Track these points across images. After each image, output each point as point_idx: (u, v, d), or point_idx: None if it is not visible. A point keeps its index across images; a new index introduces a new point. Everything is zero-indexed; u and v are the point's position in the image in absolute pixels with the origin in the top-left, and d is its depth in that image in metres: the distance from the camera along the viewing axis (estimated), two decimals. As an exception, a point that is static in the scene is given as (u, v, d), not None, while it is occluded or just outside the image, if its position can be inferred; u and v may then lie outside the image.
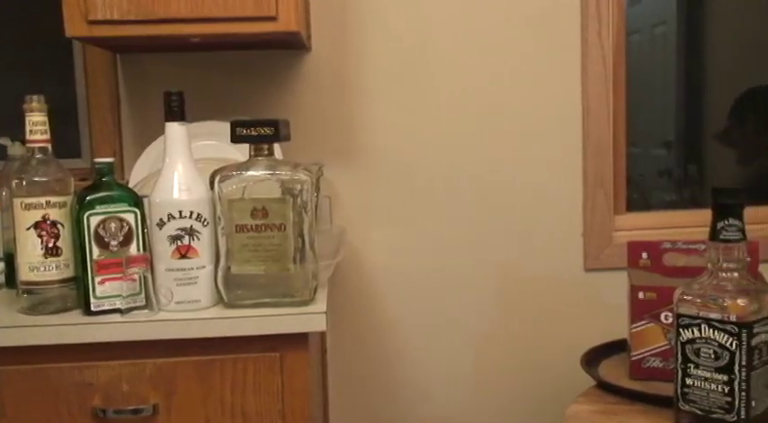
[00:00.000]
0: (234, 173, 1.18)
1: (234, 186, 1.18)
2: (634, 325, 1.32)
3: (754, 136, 2.35)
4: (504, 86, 1.77)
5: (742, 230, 1.08)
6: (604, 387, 1.31)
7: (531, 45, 1.76)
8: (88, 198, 1.17)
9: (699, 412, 1.09)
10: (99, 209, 1.17)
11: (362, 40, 1.73)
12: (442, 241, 1.79)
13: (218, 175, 1.18)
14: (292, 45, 1.58)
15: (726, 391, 1.06)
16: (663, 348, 1.29)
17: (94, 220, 1.17)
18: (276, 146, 1.29)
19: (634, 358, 1.32)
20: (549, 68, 1.77)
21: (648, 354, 1.31)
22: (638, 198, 2.61)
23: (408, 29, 1.74)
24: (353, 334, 1.80)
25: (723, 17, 2.91)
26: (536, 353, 1.83)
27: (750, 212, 1.85)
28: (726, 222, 1.07)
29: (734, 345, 1.05)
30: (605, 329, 1.57)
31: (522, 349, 1.83)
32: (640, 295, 1.31)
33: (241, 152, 1.29)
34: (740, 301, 1.06)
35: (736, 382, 1.05)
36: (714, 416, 1.08)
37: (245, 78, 1.69)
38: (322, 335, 1.68)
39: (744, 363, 1.05)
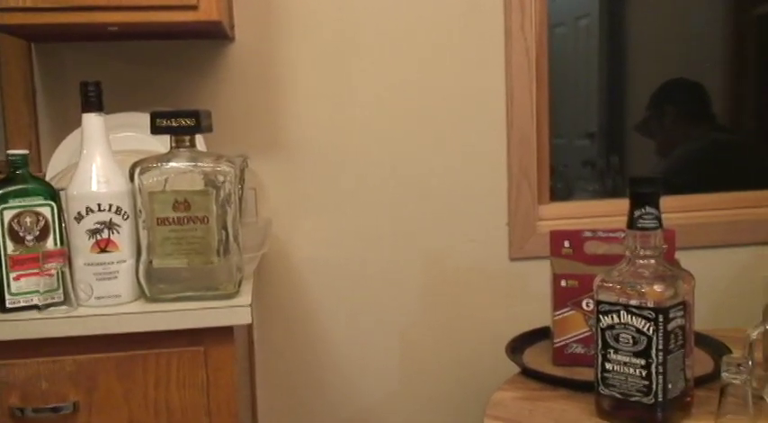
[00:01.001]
0: (155, 165, 1.16)
1: (155, 178, 1.16)
2: (557, 312, 1.34)
3: (672, 127, 2.41)
4: (429, 78, 1.77)
5: (658, 218, 1.10)
6: (528, 374, 1.33)
7: (456, 37, 1.77)
8: (1, 191, 1.13)
9: (618, 396, 1.12)
10: (13, 202, 1.13)
11: (287, 31, 1.71)
12: (369, 232, 1.80)
13: (138, 167, 1.16)
14: (215, 35, 1.55)
15: (644, 374, 1.09)
16: (584, 335, 1.32)
17: (8, 215, 1.13)
18: (199, 138, 1.27)
19: (557, 345, 1.35)
20: (473, 60, 1.78)
21: (571, 340, 1.34)
22: (562, 188, 2.65)
23: (334, 20, 1.73)
24: (281, 326, 1.79)
25: (644, 10, 2.98)
26: (462, 342, 1.85)
27: (668, 201, 1.92)
28: (642, 211, 1.10)
29: (651, 329, 1.08)
30: (530, 317, 1.59)
31: (448, 338, 1.85)
32: (562, 283, 1.33)
33: (163, 144, 1.26)
34: (657, 287, 1.08)
35: (653, 366, 1.08)
36: (633, 399, 1.10)
37: (166, 69, 1.66)
38: (249, 328, 1.67)
39: (660, 347, 1.08)
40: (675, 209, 1.88)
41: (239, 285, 1.19)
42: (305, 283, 1.80)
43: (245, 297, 1.17)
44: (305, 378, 1.81)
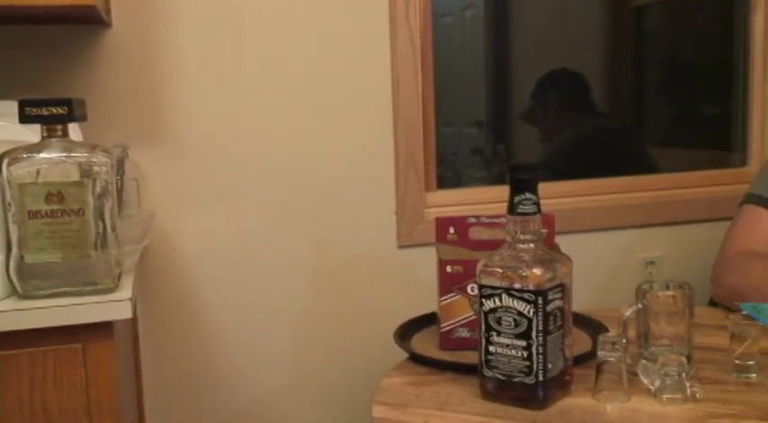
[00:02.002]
0: (25, 155, 1.11)
1: (25, 170, 1.10)
2: (442, 298, 1.36)
3: (555, 115, 2.48)
4: (314, 67, 1.77)
5: (537, 204, 1.13)
6: (416, 359, 1.35)
7: (341, 26, 1.77)
8: None
9: (501, 377, 1.14)
10: None
11: (169, 17, 1.67)
12: (257, 222, 1.78)
13: (6, 158, 1.10)
14: (90, 20, 1.49)
15: (525, 355, 1.12)
16: (470, 319, 1.34)
17: None
18: (75, 127, 1.22)
19: (443, 330, 1.37)
20: (358, 49, 1.78)
21: (457, 325, 1.36)
22: (451, 176, 2.69)
23: (218, 7, 1.70)
24: (168, 320, 1.75)
25: (528, 2, 3.04)
26: (353, 330, 1.86)
27: (549, 187, 1.98)
28: (522, 197, 1.12)
29: (531, 312, 1.10)
30: (420, 304, 1.61)
31: (339, 328, 1.85)
32: (448, 269, 1.35)
33: (37, 134, 1.21)
34: (536, 271, 1.11)
35: (534, 347, 1.11)
36: (515, 379, 1.13)
37: (38, 55, 1.59)
38: (133, 323, 1.62)
39: (540, 328, 1.11)
40: (556, 194, 1.94)
41: (119, 279, 1.15)
42: (193, 275, 1.77)
43: (125, 291, 1.13)
44: (194, 372, 1.78)
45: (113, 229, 1.14)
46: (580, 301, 1.45)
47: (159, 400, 1.76)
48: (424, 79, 1.84)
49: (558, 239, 1.38)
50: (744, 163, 2.21)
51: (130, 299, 1.11)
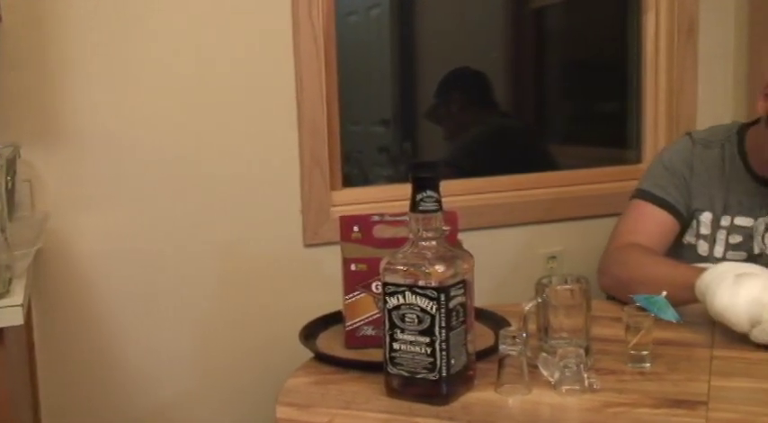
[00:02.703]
0: None
1: None
2: (347, 296, 1.36)
3: (458, 114, 2.52)
4: (217, 66, 1.74)
5: (439, 202, 1.14)
6: (321, 358, 1.34)
7: (244, 24, 1.75)
8: None
9: (406, 374, 1.15)
10: None
11: (63, 12, 1.62)
12: (159, 224, 1.74)
13: None
14: (-23, 14, 1.43)
15: (428, 352, 1.13)
16: (374, 317, 1.34)
17: None
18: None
19: (348, 328, 1.37)
20: (261, 48, 1.77)
21: (362, 323, 1.36)
22: (358, 174, 2.69)
23: (114, 2, 1.65)
24: (66, 325, 1.70)
25: (432, 1, 3.07)
26: (260, 331, 1.84)
27: (452, 185, 2.01)
28: (424, 194, 1.13)
29: (434, 308, 1.12)
30: (326, 303, 1.60)
31: (245, 328, 1.84)
32: (352, 267, 1.35)
33: None
34: (438, 267, 1.12)
35: (437, 343, 1.12)
36: (419, 376, 1.14)
37: None
38: (27, 329, 1.57)
39: (443, 324, 1.12)
40: (459, 192, 1.97)
41: (9, 284, 1.11)
42: (92, 279, 1.72)
43: (17, 297, 1.09)
44: (94, 378, 1.73)
45: (2, 231, 1.10)
46: (484, 297, 1.48)
47: (57, 409, 1.71)
48: (329, 78, 1.84)
49: (462, 236, 1.39)
50: (638, 160, 2.29)
51: (22, 304, 1.07)
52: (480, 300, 1.42)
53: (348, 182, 2.05)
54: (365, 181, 2.60)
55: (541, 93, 2.78)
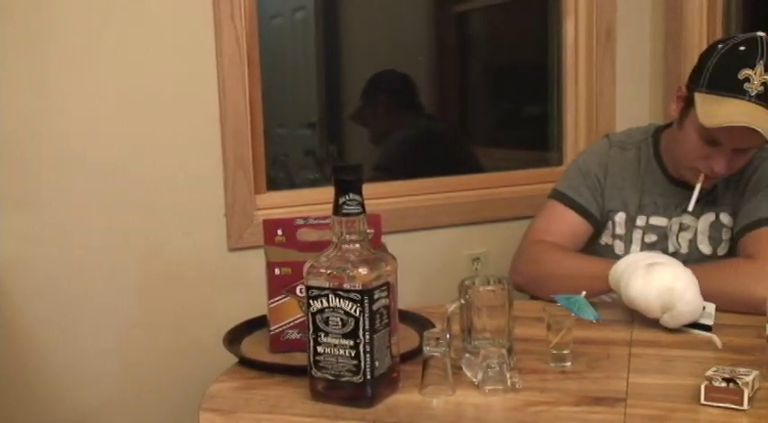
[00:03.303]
0: None
1: None
2: (271, 300, 1.35)
3: (383, 116, 2.53)
4: (138, 68, 1.72)
5: (362, 204, 1.14)
6: (245, 363, 1.33)
7: (165, 26, 1.73)
8: None
9: (330, 377, 1.15)
10: None
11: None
12: (79, 229, 1.70)
13: None
14: None
15: (352, 354, 1.13)
16: (299, 320, 1.34)
17: None
18: None
19: (273, 332, 1.36)
20: (183, 51, 1.75)
21: (287, 327, 1.35)
22: (284, 177, 2.68)
23: (33, 9, 1.60)
24: (-21, 336, 1.64)
25: (356, 4, 3.08)
26: (184, 336, 1.81)
27: (378, 187, 2.01)
28: (346, 197, 1.13)
29: (357, 311, 1.12)
30: (251, 307, 1.59)
31: (169, 335, 1.81)
32: (276, 271, 1.34)
33: None
34: (362, 270, 1.12)
35: (361, 346, 1.12)
36: (344, 379, 1.14)
37: None
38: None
39: (367, 327, 1.12)
40: (385, 195, 1.98)
41: None
42: (7, 286, 1.66)
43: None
44: (13, 386, 1.68)
45: None
46: (410, 299, 1.49)
47: (-29, 422, 1.65)
48: (252, 81, 1.83)
49: (387, 239, 1.40)
50: (560, 162, 2.34)
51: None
52: (406, 302, 1.43)
53: (274, 185, 2.04)
54: (291, 184, 2.60)
55: (465, 96, 2.81)
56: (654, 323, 1.46)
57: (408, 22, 2.76)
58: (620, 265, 1.48)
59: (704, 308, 1.40)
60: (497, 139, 2.66)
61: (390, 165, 2.42)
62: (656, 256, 1.51)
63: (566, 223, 1.72)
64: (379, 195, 1.97)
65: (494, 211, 2.14)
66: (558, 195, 1.75)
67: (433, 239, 2.07)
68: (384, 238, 1.39)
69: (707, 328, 1.40)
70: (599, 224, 1.73)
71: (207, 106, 1.77)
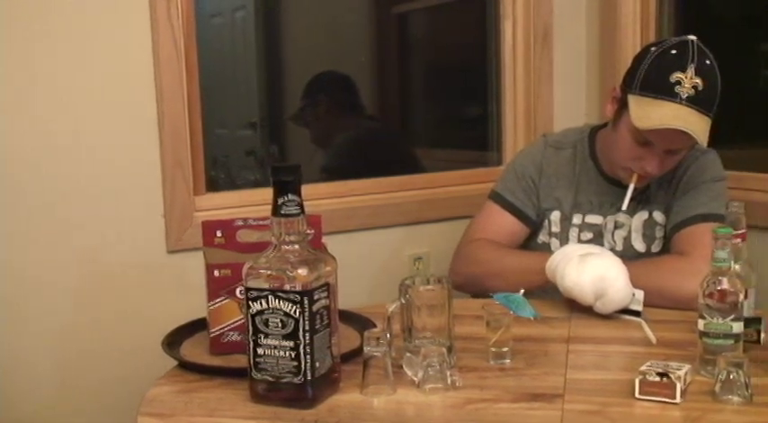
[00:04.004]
0: None
1: None
2: (211, 302, 1.34)
3: (324, 117, 2.53)
4: (76, 69, 1.69)
5: (300, 205, 1.14)
6: (185, 366, 1.32)
7: (100, 26, 1.69)
8: None
9: (270, 379, 1.15)
10: None
11: None
12: (14, 233, 1.66)
13: None
14: None
15: (293, 356, 1.13)
16: (239, 322, 1.33)
17: None
18: None
19: (213, 335, 1.35)
20: (119, 51, 1.72)
21: (227, 329, 1.35)
22: (225, 178, 2.66)
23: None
24: None
25: (297, 5, 3.07)
26: (123, 340, 1.79)
27: (320, 188, 2.01)
28: (285, 198, 1.13)
29: (297, 312, 1.12)
30: (192, 310, 1.57)
31: (108, 338, 1.78)
32: (216, 273, 1.33)
33: None
34: (301, 271, 1.12)
35: (301, 347, 1.12)
36: (284, 380, 1.14)
37: None
38: None
39: (307, 328, 1.12)
40: (326, 195, 1.98)
41: None
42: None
43: None
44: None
45: None
46: (353, 300, 1.50)
47: None
48: (190, 81, 1.81)
49: (329, 240, 1.40)
50: (499, 162, 2.37)
51: None
52: (349, 302, 1.44)
53: (215, 186, 2.02)
54: (233, 185, 2.58)
55: (406, 97, 2.83)
56: (591, 320, 1.50)
57: (349, 22, 2.76)
58: (556, 257, 1.55)
59: (633, 294, 1.48)
60: (438, 139, 2.68)
61: (335, 166, 2.42)
62: (589, 248, 1.58)
63: (502, 224, 1.76)
64: (320, 196, 1.96)
65: (435, 211, 2.16)
66: (495, 196, 1.79)
67: (375, 240, 2.08)
68: (326, 239, 1.39)
69: (636, 313, 1.47)
70: (535, 224, 1.77)
71: (144, 107, 1.75)
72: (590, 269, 1.47)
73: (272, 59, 3.17)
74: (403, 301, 1.27)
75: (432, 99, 2.74)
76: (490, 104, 2.43)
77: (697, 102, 1.52)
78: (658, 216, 1.70)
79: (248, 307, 1.14)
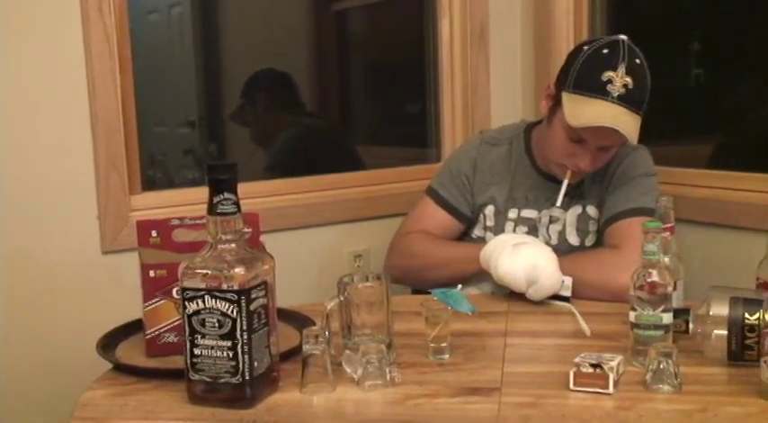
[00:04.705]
0: None
1: None
2: (147, 303, 1.32)
3: (264, 115, 2.51)
4: (5, 66, 1.64)
5: (237, 203, 1.13)
6: (120, 369, 1.30)
7: (32, 22, 1.65)
8: None
9: (208, 379, 1.14)
10: None
11: None
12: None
13: None
14: None
15: (230, 355, 1.12)
16: (176, 323, 1.31)
17: None
18: None
19: (149, 336, 1.33)
20: (49, 48, 1.68)
21: (163, 330, 1.33)
22: (162, 177, 2.62)
23: None
24: None
25: (234, 1, 3.05)
26: (57, 344, 1.75)
27: (257, 186, 2.00)
28: (221, 197, 1.12)
29: (234, 311, 1.11)
30: (127, 311, 1.55)
31: (42, 342, 1.74)
32: (151, 273, 1.32)
33: None
34: (238, 270, 1.12)
35: (239, 347, 1.12)
36: (222, 380, 1.13)
37: None
38: None
39: (245, 327, 1.11)
40: (265, 193, 1.96)
41: None
42: None
43: None
44: None
45: None
46: (293, 298, 1.49)
47: None
48: (124, 77, 1.77)
49: (268, 238, 1.39)
50: (438, 158, 2.38)
51: None
52: (289, 301, 1.43)
53: (152, 185, 1.99)
54: (171, 184, 2.55)
55: (346, 94, 2.83)
56: (527, 314, 1.52)
57: (287, 19, 2.75)
58: (490, 246, 1.60)
59: (563, 281, 1.54)
60: (378, 136, 2.69)
61: (276, 164, 2.41)
62: (521, 237, 1.64)
63: (436, 219, 1.80)
64: (259, 194, 1.95)
65: (375, 208, 2.16)
66: (430, 192, 1.83)
67: (314, 237, 2.07)
68: (264, 237, 1.38)
69: (566, 299, 1.54)
70: (469, 220, 1.80)
71: (76, 104, 1.71)
72: (522, 258, 1.53)
73: (211, 56, 3.14)
74: (341, 299, 1.27)
75: (371, 96, 2.74)
76: (428, 102, 2.44)
77: (627, 100, 1.55)
78: (592, 210, 1.73)
79: (184, 307, 1.13)
